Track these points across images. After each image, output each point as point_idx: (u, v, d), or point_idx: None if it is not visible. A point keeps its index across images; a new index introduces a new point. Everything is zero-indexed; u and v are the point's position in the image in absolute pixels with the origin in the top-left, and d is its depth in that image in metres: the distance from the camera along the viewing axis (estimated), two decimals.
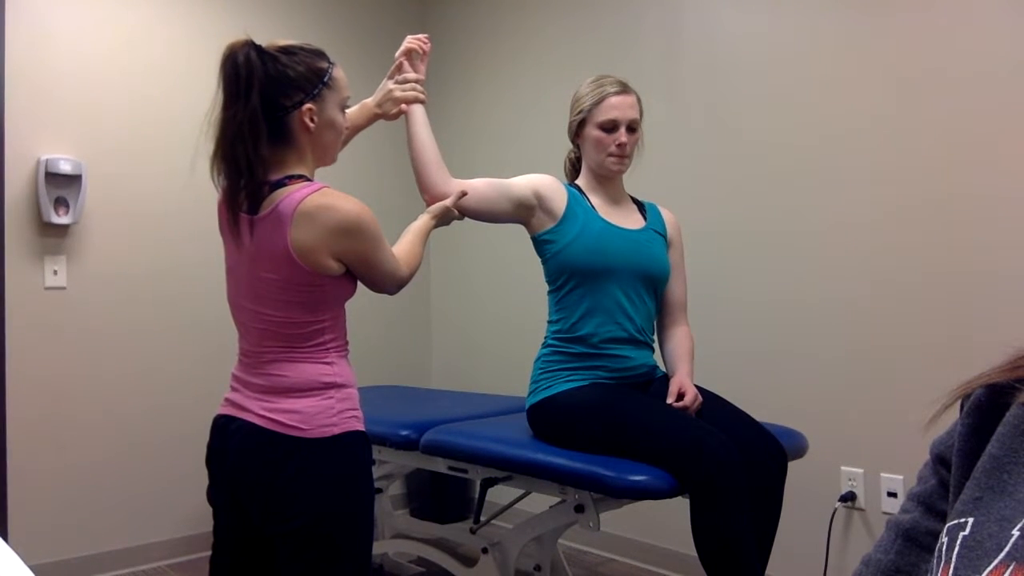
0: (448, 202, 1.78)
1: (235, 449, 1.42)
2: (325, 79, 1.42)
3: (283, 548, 1.40)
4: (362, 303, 1.69)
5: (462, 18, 3.60)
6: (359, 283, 1.49)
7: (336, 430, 1.40)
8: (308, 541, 1.38)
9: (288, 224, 1.35)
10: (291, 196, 1.36)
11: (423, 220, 1.73)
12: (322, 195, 1.37)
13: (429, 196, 1.81)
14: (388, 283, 1.51)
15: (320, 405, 1.39)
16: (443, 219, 1.78)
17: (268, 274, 1.38)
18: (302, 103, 1.40)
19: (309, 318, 1.41)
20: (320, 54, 1.44)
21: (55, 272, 2.74)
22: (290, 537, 1.38)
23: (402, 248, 1.59)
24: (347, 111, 1.66)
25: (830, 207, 2.37)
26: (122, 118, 2.88)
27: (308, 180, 1.42)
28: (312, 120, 1.41)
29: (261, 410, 1.39)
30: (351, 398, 1.45)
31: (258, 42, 1.40)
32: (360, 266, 1.44)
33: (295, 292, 1.38)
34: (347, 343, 1.50)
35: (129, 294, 2.88)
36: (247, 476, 1.40)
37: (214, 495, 1.50)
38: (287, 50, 1.40)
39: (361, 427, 1.46)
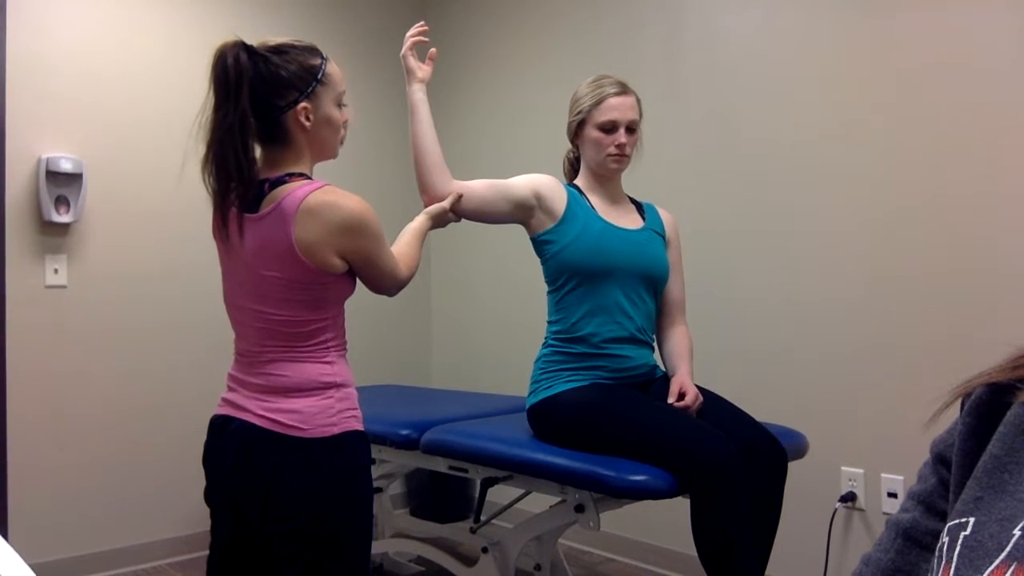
0: (446, 204, 1.78)
1: (234, 449, 1.42)
2: (319, 76, 1.41)
3: (282, 548, 1.40)
4: (362, 303, 1.68)
5: (462, 18, 3.60)
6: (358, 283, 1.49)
7: (336, 430, 1.39)
8: (307, 541, 1.38)
9: (291, 221, 1.35)
10: (293, 193, 1.36)
11: (420, 221, 1.73)
12: (325, 192, 1.37)
13: (428, 197, 1.81)
14: (388, 283, 1.51)
15: (320, 405, 1.39)
16: (440, 221, 1.79)
17: (270, 272, 1.38)
18: (296, 102, 1.39)
19: (311, 317, 1.41)
20: (313, 50, 1.43)
21: (56, 271, 2.74)
22: (289, 537, 1.38)
23: (400, 249, 1.58)
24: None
25: (831, 206, 2.37)
26: (123, 117, 2.88)
27: (308, 178, 1.42)
28: (308, 119, 1.41)
29: (260, 410, 1.39)
30: (350, 398, 1.45)
31: (257, 40, 1.40)
32: (362, 264, 1.44)
33: (297, 290, 1.38)
34: (346, 342, 1.50)
35: (129, 293, 2.88)
36: (246, 476, 1.40)
37: (211, 495, 1.50)
38: (278, 49, 1.39)
39: (360, 427, 1.45)
